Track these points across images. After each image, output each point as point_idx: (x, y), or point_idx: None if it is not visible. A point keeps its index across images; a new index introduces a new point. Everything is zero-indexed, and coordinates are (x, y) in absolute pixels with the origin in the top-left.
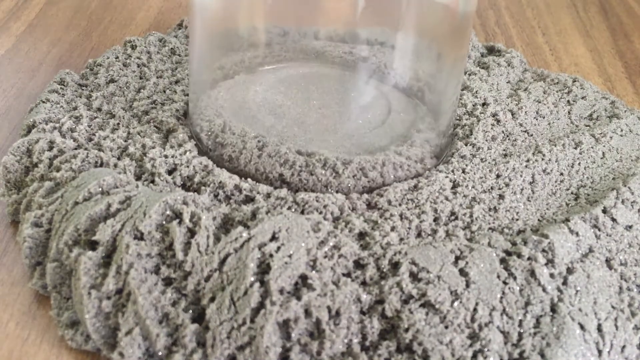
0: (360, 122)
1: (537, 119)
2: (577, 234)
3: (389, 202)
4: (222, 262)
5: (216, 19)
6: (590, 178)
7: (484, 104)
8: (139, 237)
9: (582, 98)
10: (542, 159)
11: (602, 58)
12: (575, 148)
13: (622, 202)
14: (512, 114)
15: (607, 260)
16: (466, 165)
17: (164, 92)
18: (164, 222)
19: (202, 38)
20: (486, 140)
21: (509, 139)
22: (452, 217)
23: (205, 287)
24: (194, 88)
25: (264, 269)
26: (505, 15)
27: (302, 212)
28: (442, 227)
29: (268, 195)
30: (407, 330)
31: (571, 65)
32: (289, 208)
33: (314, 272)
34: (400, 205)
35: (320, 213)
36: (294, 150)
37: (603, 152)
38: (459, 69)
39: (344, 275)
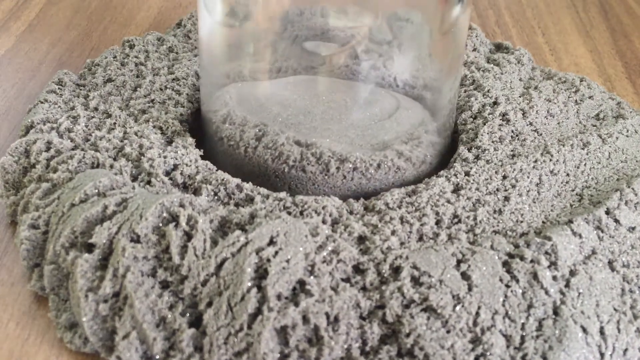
0: (368, 114)
1: (547, 118)
2: (580, 235)
3: (387, 206)
4: (219, 266)
5: (222, 32)
6: (595, 179)
7: (494, 104)
8: (136, 239)
9: (590, 98)
10: (550, 160)
11: (602, 58)
12: (583, 148)
13: (626, 203)
14: (523, 113)
15: (610, 262)
16: (470, 168)
17: (161, 90)
18: (161, 225)
19: (210, 48)
20: (492, 142)
21: (518, 139)
22: (455, 220)
23: (202, 292)
24: (204, 90)
25: (261, 274)
26: (505, 15)
27: (301, 214)
28: (445, 231)
29: (267, 197)
30: (408, 335)
31: (571, 65)
32: (287, 209)
33: (312, 277)
34: (400, 208)
35: (319, 214)
36: (293, 140)
37: (609, 153)
38: (455, 68)
39: (343, 280)
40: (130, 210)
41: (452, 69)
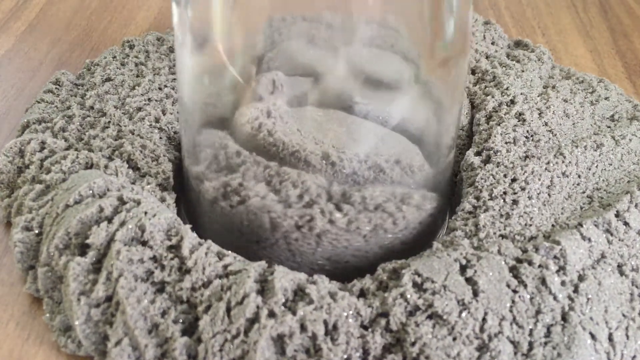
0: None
1: (562, 119)
2: (589, 240)
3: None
4: (227, 266)
5: None
6: (606, 180)
7: (511, 102)
8: (137, 241)
9: (606, 99)
10: (563, 162)
11: (602, 58)
12: (596, 150)
13: (636, 206)
14: (540, 113)
15: (619, 266)
16: (476, 174)
17: (160, 89)
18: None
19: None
20: (505, 143)
21: (532, 140)
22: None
23: (203, 294)
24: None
25: (266, 277)
26: (505, 15)
27: (281, 183)
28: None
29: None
30: (413, 343)
31: (571, 66)
32: (270, 177)
33: (311, 284)
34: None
35: (296, 187)
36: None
37: (621, 155)
38: (454, 115)
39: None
40: (141, 209)
41: (453, 117)
